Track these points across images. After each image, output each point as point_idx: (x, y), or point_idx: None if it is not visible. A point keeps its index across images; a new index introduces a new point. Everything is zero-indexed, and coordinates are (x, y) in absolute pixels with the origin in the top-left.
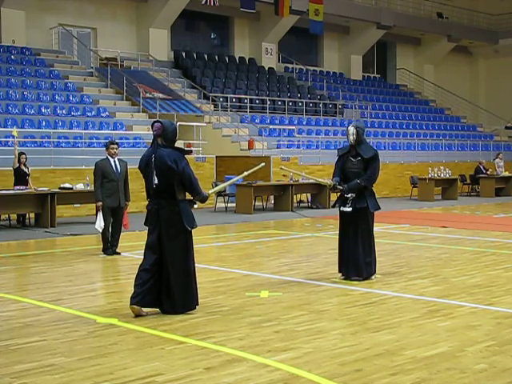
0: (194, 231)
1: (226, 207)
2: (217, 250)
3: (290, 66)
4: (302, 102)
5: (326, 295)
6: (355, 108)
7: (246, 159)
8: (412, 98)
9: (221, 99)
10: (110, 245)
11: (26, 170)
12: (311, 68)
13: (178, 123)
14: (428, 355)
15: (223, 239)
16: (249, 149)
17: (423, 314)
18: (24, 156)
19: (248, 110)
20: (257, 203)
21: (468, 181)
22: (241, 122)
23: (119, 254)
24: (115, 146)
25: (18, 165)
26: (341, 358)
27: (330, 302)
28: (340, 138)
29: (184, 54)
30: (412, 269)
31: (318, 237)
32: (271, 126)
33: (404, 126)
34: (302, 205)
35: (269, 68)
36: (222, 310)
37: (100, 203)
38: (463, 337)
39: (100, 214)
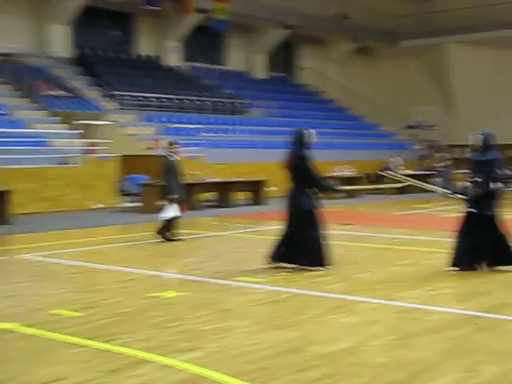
0: (98, 232)
1: (131, 207)
2: (122, 250)
3: (196, 64)
4: (207, 101)
5: (231, 294)
6: (261, 107)
7: (151, 158)
8: (316, 98)
9: (125, 97)
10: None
11: None
12: (217, 67)
13: (81, 122)
14: (332, 351)
15: (128, 239)
16: (154, 148)
17: (328, 311)
18: None
19: (153, 109)
20: (163, 203)
21: (372, 179)
22: (146, 121)
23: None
24: (178, 145)
25: None
26: (246, 356)
27: (236, 300)
28: (246, 138)
29: (87, 52)
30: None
31: (225, 235)
32: (177, 125)
33: (309, 125)
34: (208, 204)
35: (174, 66)
36: (126, 311)
37: (174, 196)
38: (366, 332)
39: (172, 205)
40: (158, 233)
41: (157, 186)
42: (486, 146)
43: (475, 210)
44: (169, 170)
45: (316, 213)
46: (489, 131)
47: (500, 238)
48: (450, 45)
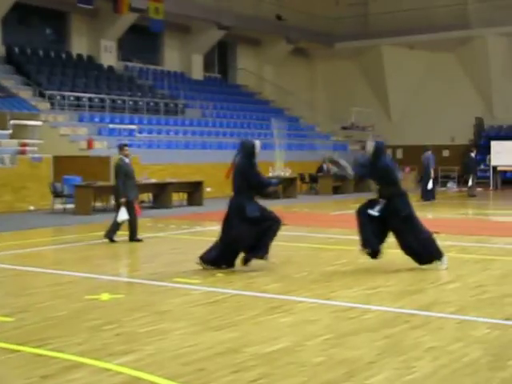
0: (31, 234)
1: (65, 208)
2: (56, 252)
3: (131, 64)
4: (142, 101)
5: (168, 295)
6: (197, 108)
7: (85, 159)
8: (253, 98)
9: (58, 97)
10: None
11: None
12: (152, 67)
13: (12, 122)
14: (269, 351)
15: (63, 241)
16: (88, 148)
17: (265, 311)
18: None
19: (87, 109)
20: (97, 204)
21: (307, 179)
22: (79, 121)
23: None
24: (128, 148)
25: None
26: (183, 358)
27: (172, 302)
28: (182, 138)
29: (17, 50)
30: (253, 267)
31: (160, 237)
32: (111, 126)
33: (245, 126)
34: (144, 205)
35: (108, 66)
36: (60, 314)
37: (125, 199)
38: (303, 331)
39: (123, 208)
40: (107, 236)
41: (91, 187)
42: (376, 153)
43: (377, 214)
44: (121, 172)
45: (260, 218)
46: (381, 140)
47: (421, 234)
48: (384, 47)
